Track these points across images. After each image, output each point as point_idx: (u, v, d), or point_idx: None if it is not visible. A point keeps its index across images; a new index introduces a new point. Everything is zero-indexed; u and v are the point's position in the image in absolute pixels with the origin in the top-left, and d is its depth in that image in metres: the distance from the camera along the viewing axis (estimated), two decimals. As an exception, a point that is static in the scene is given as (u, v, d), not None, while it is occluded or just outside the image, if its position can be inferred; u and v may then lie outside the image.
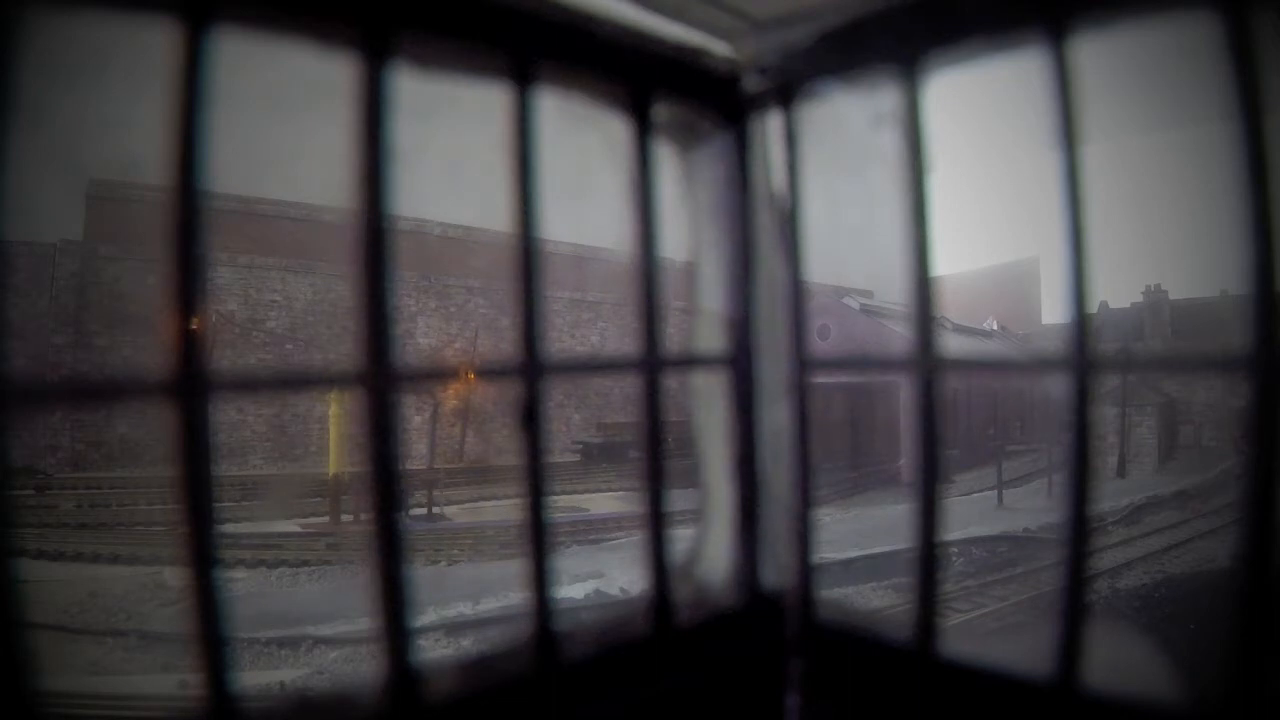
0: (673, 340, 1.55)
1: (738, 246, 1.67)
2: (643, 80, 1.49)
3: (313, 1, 1.09)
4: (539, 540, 1.33)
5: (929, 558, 1.39)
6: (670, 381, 1.53)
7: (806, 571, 1.60)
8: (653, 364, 1.50)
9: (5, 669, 0.85)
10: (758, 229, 1.66)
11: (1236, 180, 1.06)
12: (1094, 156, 1.21)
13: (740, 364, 1.67)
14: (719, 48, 1.58)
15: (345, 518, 19.40)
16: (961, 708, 1.36)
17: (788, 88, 1.57)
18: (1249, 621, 1.07)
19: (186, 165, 0.99)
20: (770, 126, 1.63)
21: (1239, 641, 1.07)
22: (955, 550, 16.54)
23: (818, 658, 1.58)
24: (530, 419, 1.32)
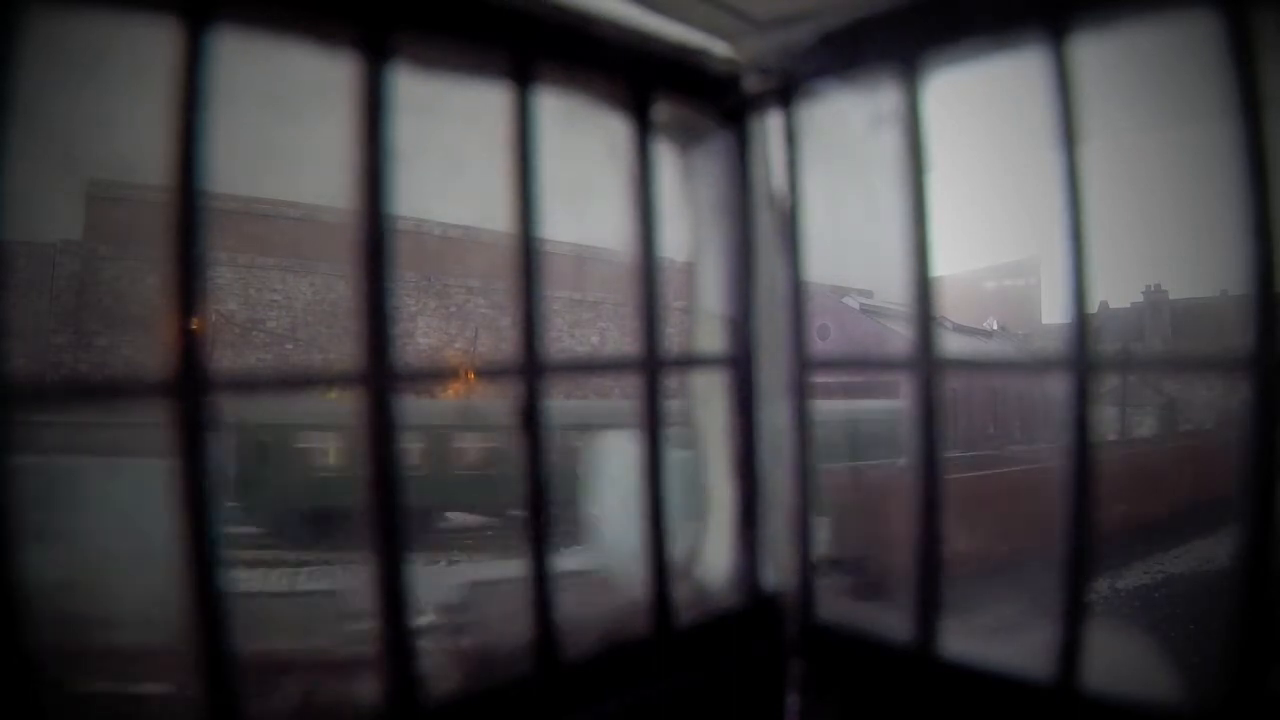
0: (673, 340, 1.55)
1: (738, 246, 1.66)
2: (643, 80, 1.49)
3: (313, 1, 1.09)
4: (539, 540, 1.33)
5: (931, 559, 1.39)
6: (670, 381, 1.53)
7: (806, 572, 1.60)
8: (653, 364, 1.50)
9: (6, 669, 0.85)
10: (758, 229, 1.66)
11: (1236, 180, 1.06)
12: (1094, 156, 1.21)
13: (740, 364, 1.67)
14: (719, 48, 1.58)
15: (345, 517, 19.36)
16: (961, 708, 1.36)
17: (788, 88, 1.57)
18: (1249, 621, 1.07)
19: (186, 165, 0.99)
20: (770, 126, 1.63)
21: (1239, 642, 1.07)
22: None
23: (818, 658, 1.58)
24: (530, 419, 1.32)
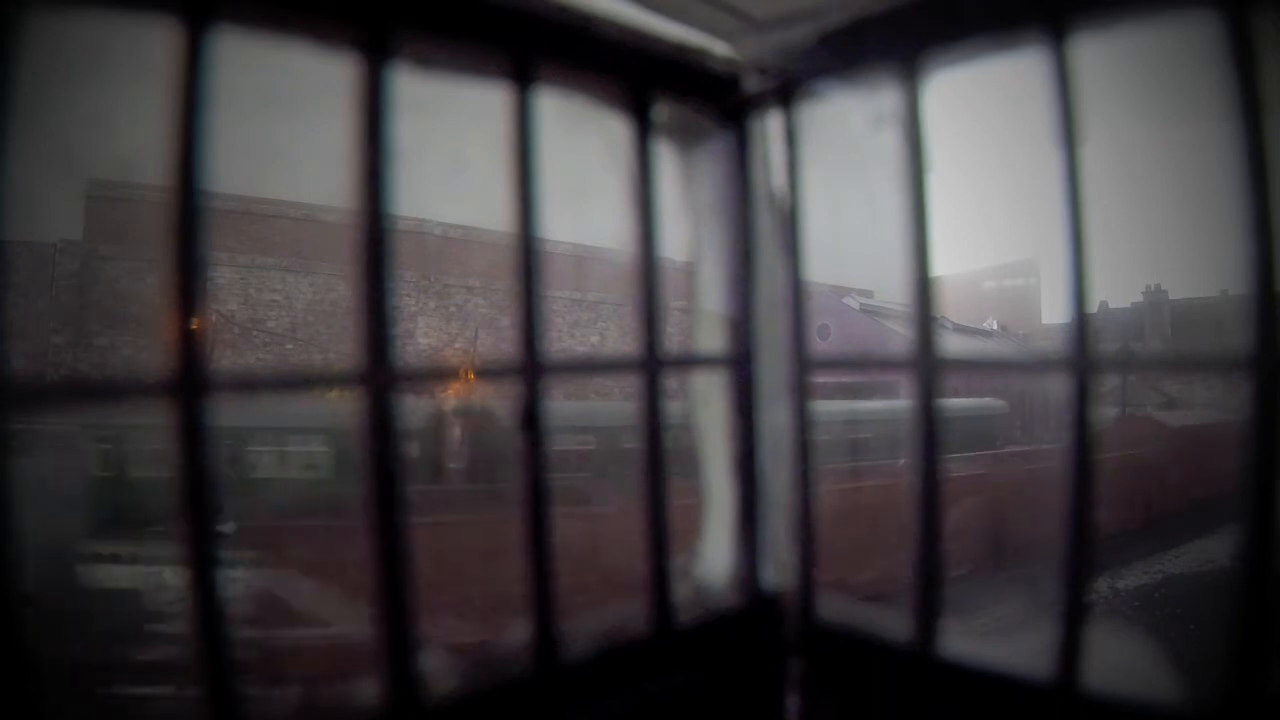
0: (673, 340, 1.55)
1: (738, 246, 1.66)
2: (643, 80, 1.49)
3: (313, 1, 1.09)
4: (539, 540, 1.33)
5: (931, 559, 1.39)
6: (670, 381, 1.53)
7: (806, 572, 1.60)
8: (653, 364, 1.50)
9: (6, 667, 0.85)
10: (758, 229, 1.66)
11: (1236, 180, 1.06)
12: (1093, 156, 1.21)
13: (740, 364, 1.67)
14: (719, 48, 1.58)
15: (345, 517, 19.32)
16: (961, 708, 1.36)
17: (788, 88, 1.57)
18: (1249, 622, 1.07)
19: (186, 165, 0.99)
20: (770, 126, 1.63)
21: (1239, 642, 1.07)
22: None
23: (818, 658, 1.58)
24: (530, 419, 1.32)
